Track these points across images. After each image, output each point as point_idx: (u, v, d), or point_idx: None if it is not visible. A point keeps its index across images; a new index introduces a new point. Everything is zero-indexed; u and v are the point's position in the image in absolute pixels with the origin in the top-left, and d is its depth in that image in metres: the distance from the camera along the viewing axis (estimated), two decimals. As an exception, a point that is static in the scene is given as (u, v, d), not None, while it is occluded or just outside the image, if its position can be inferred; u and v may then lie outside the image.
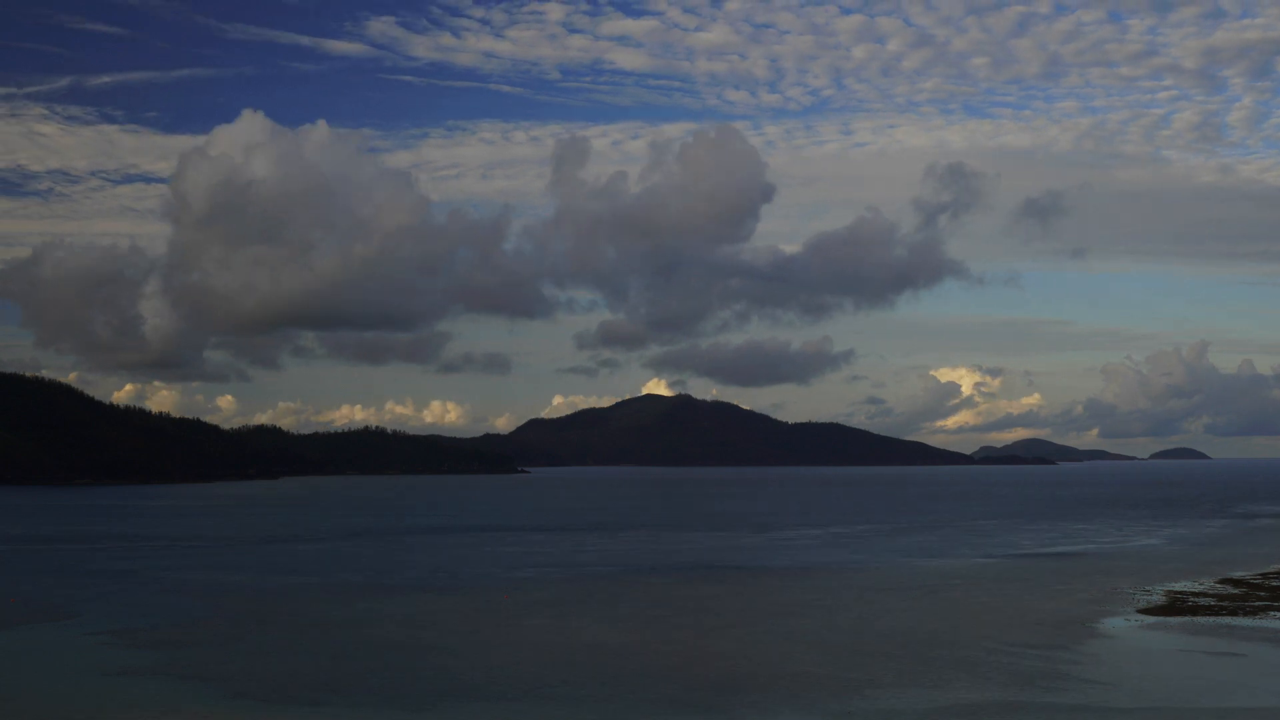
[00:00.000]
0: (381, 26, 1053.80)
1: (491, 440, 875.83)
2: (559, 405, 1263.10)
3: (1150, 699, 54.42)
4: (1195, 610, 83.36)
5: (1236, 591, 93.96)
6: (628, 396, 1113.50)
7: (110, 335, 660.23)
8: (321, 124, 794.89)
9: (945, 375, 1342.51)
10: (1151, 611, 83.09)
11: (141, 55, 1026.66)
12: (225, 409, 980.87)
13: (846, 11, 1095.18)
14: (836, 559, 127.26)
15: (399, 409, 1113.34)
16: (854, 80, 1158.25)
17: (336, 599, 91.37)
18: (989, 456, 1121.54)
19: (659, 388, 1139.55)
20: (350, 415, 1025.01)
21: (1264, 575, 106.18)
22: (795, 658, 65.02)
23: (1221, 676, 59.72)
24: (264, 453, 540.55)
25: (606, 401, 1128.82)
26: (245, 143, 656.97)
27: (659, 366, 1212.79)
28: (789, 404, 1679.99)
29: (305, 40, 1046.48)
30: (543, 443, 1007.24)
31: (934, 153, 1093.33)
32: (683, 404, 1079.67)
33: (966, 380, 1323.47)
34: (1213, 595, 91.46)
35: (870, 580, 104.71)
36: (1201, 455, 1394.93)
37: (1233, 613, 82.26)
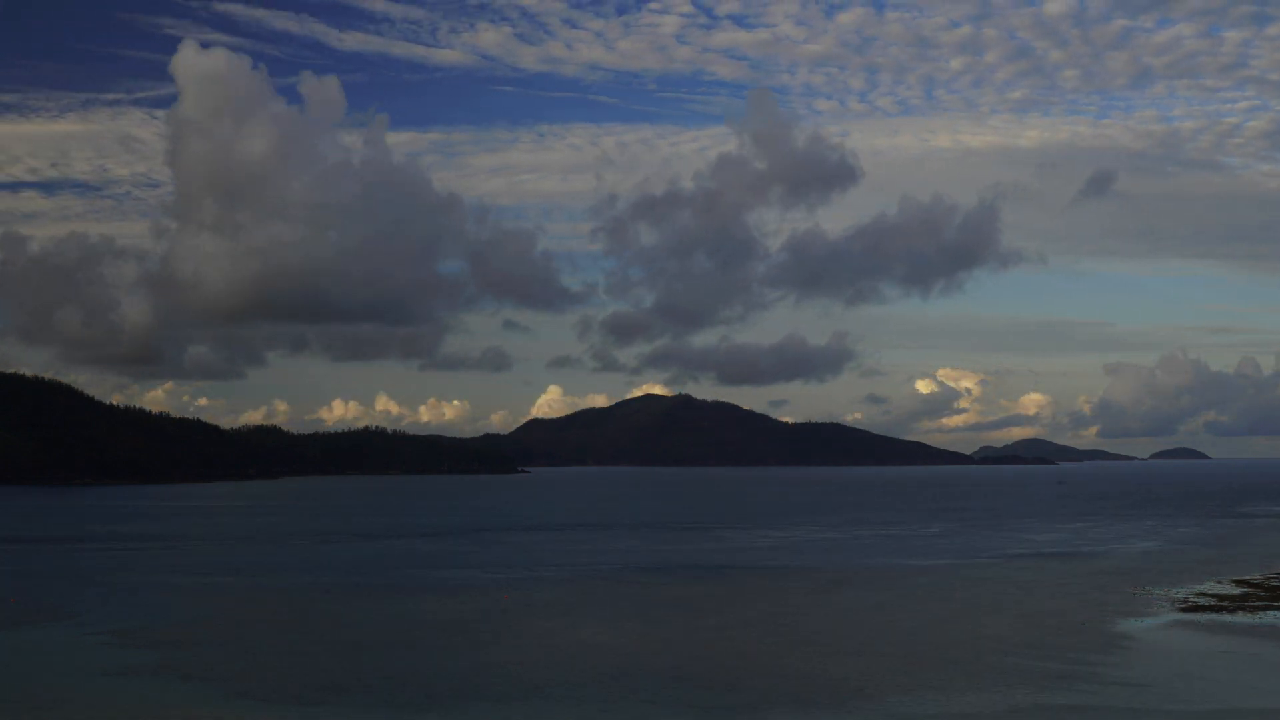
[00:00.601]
0: (496, 37, 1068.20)
1: (491, 440, 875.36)
2: (559, 403, 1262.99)
3: (1182, 700, 54.11)
4: (1214, 609, 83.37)
5: (1249, 591, 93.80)
6: (629, 395, 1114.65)
7: (84, 330, 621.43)
8: (330, 92, 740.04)
9: (948, 375, 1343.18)
10: (1172, 611, 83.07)
11: (255, 64, 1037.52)
12: (211, 406, 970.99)
13: (954, 24, 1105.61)
14: (842, 560, 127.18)
15: (394, 407, 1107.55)
16: (944, 91, 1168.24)
17: (337, 599, 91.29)
18: (989, 456, 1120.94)
19: (659, 385, 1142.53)
20: (343, 413, 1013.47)
21: (1266, 576, 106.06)
22: (803, 659, 64.83)
23: (1248, 677, 59.46)
24: (264, 453, 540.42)
25: (607, 401, 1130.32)
26: (237, 106, 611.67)
27: (662, 362, 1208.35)
28: (793, 402, 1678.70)
29: (419, 50, 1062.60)
30: (542, 442, 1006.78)
31: (1002, 155, 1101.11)
32: (682, 404, 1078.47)
33: (968, 379, 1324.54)
34: (1230, 596, 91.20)
35: (875, 581, 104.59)
36: (1202, 455, 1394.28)
37: (1248, 611, 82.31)
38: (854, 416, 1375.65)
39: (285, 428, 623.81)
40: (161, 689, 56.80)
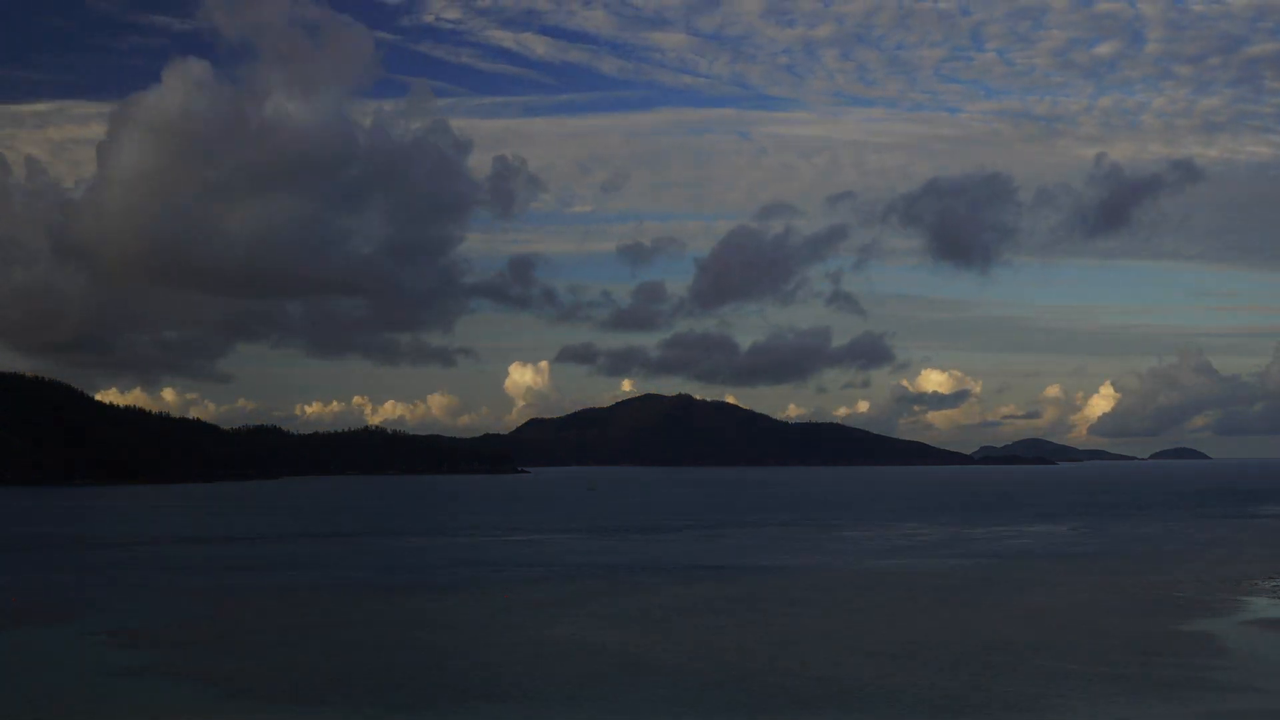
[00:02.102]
0: (767, 69, 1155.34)
1: (491, 440, 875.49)
2: (558, 402, 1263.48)
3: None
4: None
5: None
6: (629, 395, 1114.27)
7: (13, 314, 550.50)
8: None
9: (946, 372, 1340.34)
10: (1242, 609, 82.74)
11: (527, 88, 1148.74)
12: (175, 401, 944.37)
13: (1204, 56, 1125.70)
14: (862, 561, 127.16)
15: (386, 407, 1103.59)
16: (1151, 116, 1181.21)
17: (336, 599, 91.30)
18: (989, 456, 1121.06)
19: (662, 383, 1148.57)
20: (323, 411, 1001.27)
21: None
22: (810, 660, 64.66)
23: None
24: (264, 453, 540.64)
25: (607, 401, 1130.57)
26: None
27: (664, 357, 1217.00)
28: (794, 398, 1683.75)
29: (686, 79, 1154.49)
30: (542, 442, 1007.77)
31: (1163, 166, 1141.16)
32: (682, 404, 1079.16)
33: (968, 378, 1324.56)
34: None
35: (894, 583, 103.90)
36: (1202, 455, 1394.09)
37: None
38: (847, 411, 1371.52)
39: (266, 423, 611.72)
40: (161, 689, 56.78)
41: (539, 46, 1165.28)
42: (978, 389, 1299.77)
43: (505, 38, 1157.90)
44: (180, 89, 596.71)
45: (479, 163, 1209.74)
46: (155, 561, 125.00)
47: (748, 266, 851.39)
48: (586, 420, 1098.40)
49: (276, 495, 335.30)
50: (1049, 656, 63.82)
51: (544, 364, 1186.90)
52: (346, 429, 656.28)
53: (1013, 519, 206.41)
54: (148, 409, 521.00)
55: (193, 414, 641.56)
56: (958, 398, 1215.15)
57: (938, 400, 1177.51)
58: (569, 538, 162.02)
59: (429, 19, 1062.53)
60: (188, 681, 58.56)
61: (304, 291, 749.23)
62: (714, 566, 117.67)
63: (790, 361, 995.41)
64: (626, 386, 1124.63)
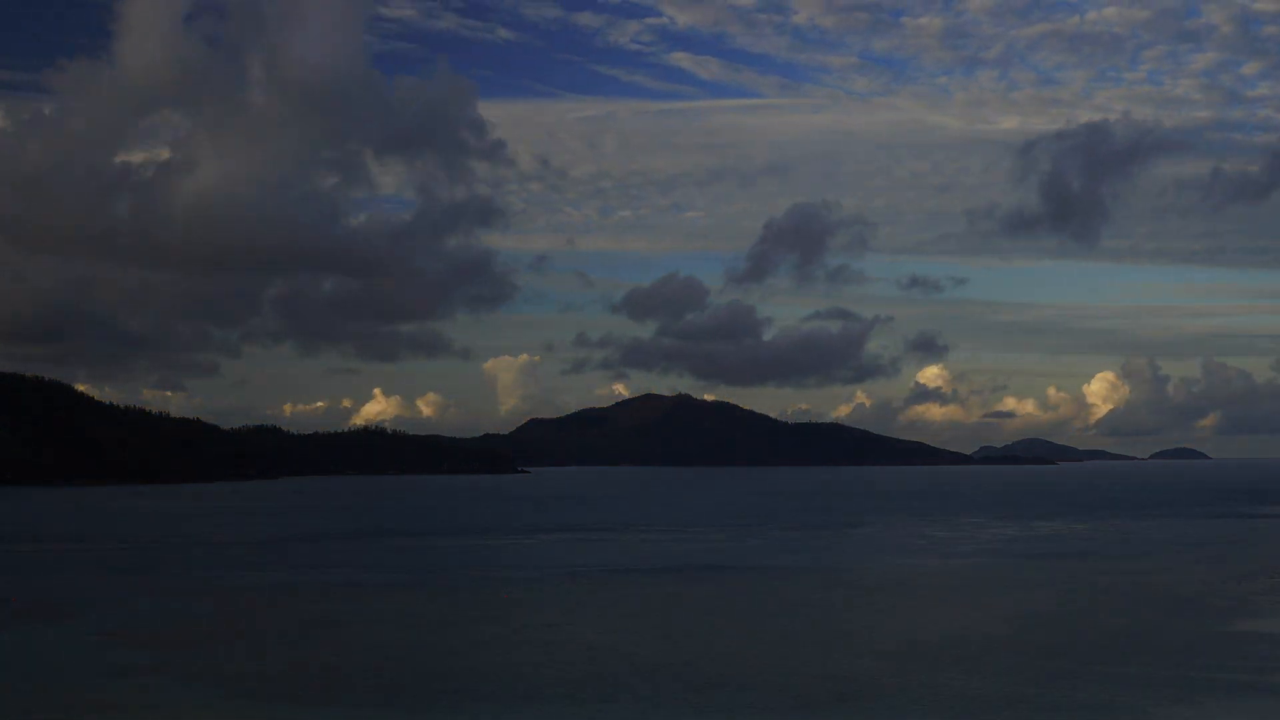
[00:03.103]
0: (917, 90, 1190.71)
1: (490, 440, 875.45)
2: (559, 402, 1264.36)
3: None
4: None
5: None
6: (629, 395, 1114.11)
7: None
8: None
9: (947, 371, 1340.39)
10: None
11: (681, 101, 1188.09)
12: (151, 398, 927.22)
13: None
14: (874, 560, 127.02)
15: (383, 405, 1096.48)
16: (1267, 132, 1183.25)
17: (336, 599, 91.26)
18: (989, 456, 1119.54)
19: (666, 382, 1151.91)
20: (316, 408, 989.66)
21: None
22: (812, 659, 64.62)
23: None
24: (263, 453, 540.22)
25: (607, 401, 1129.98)
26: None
27: (680, 349, 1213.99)
28: (794, 397, 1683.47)
29: (840, 96, 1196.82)
30: (542, 442, 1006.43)
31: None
32: (682, 404, 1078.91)
33: (971, 376, 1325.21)
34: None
35: (909, 583, 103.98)
36: (1202, 455, 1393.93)
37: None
38: (848, 409, 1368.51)
39: (256, 419, 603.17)
40: (161, 689, 56.74)
41: (713, 67, 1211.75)
42: (979, 387, 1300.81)
43: (684, 58, 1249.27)
44: (138, 24, 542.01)
45: (569, 165, 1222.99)
46: (154, 561, 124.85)
47: (788, 255, 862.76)
48: (586, 420, 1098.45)
49: (276, 496, 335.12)
50: (1118, 659, 63.82)
51: (539, 358, 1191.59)
52: (345, 429, 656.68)
53: (1028, 517, 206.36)
54: (146, 408, 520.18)
55: (174, 411, 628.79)
56: (959, 397, 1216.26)
57: (939, 398, 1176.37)
58: (570, 538, 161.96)
59: (622, 40, 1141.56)
60: (188, 681, 58.52)
61: (293, 272, 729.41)
62: (719, 567, 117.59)
63: (803, 357, 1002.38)
64: (619, 387, 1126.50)
